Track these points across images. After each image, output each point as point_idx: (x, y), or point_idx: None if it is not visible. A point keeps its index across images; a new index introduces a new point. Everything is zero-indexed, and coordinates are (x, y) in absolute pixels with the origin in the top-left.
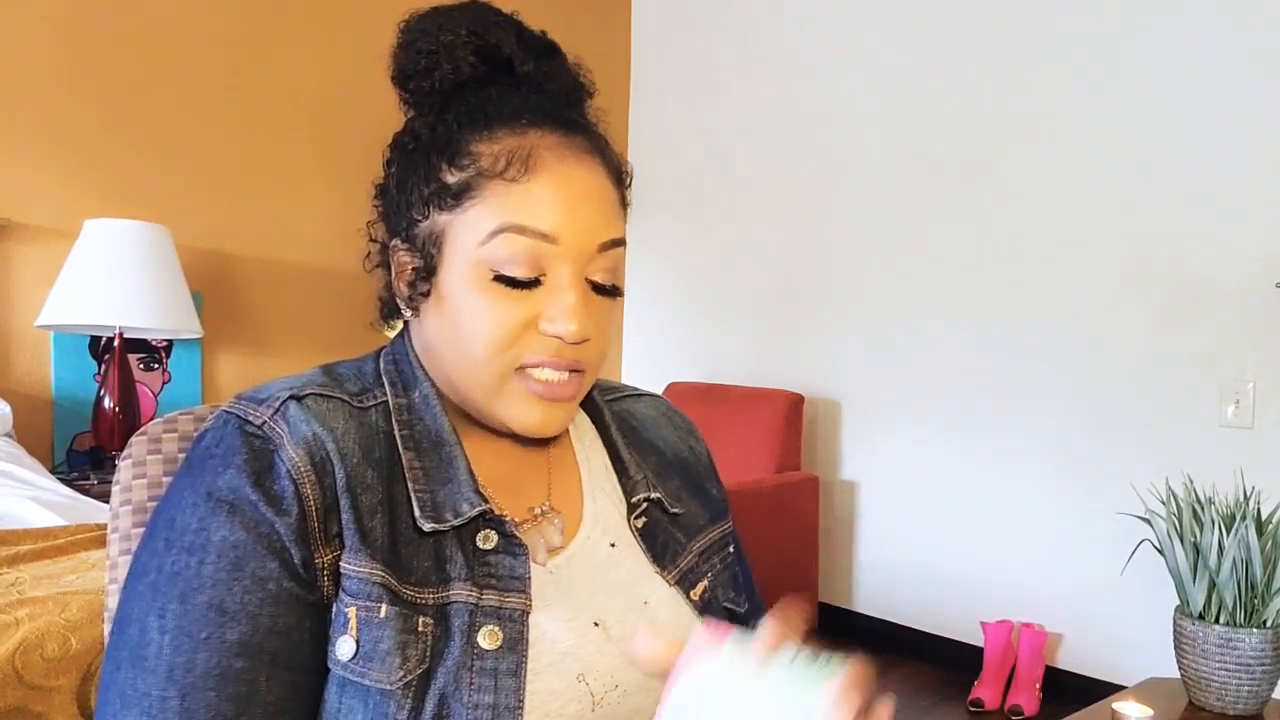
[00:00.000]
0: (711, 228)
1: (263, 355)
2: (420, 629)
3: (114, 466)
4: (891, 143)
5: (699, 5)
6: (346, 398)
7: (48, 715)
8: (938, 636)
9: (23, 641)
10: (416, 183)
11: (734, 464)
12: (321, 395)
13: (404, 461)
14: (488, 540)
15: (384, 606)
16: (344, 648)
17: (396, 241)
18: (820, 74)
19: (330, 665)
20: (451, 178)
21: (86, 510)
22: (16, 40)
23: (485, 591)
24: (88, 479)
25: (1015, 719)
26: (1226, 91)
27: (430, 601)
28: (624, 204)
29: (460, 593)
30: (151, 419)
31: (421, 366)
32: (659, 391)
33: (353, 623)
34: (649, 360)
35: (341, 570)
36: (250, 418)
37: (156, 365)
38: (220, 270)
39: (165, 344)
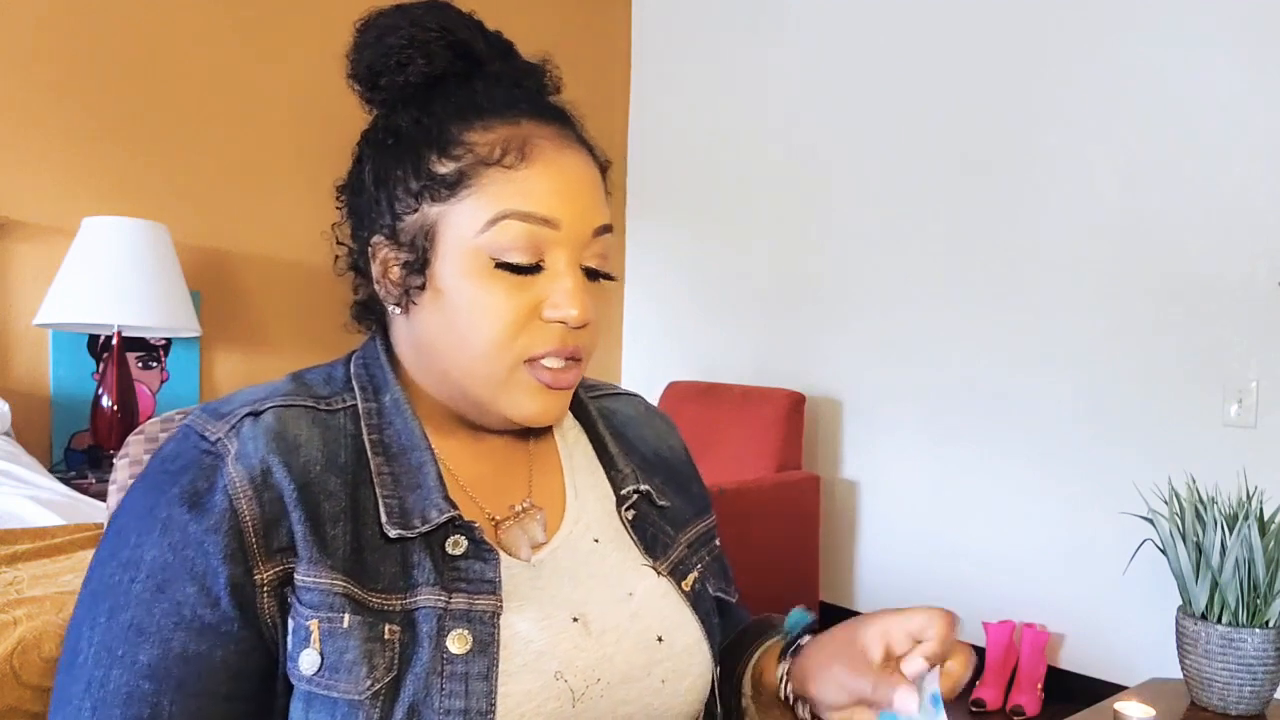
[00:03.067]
0: (711, 227)
1: (261, 354)
2: (387, 636)
3: (112, 465)
4: (892, 142)
5: (699, 5)
6: (312, 403)
7: (45, 716)
8: None
9: (20, 641)
10: (402, 176)
11: (734, 463)
12: (284, 405)
13: (372, 466)
14: (457, 545)
15: (347, 616)
16: (307, 661)
17: (379, 238)
18: (821, 73)
19: (294, 680)
20: (444, 168)
21: (84, 509)
22: (14, 38)
23: (454, 595)
24: (86, 478)
25: (1017, 719)
26: (1229, 90)
27: (397, 608)
28: (607, 193)
29: (428, 598)
30: (150, 418)
31: (393, 369)
32: (660, 391)
33: (315, 635)
34: (649, 360)
35: (298, 583)
36: (207, 433)
37: (155, 364)
38: (219, 269)
39: (164, 343)
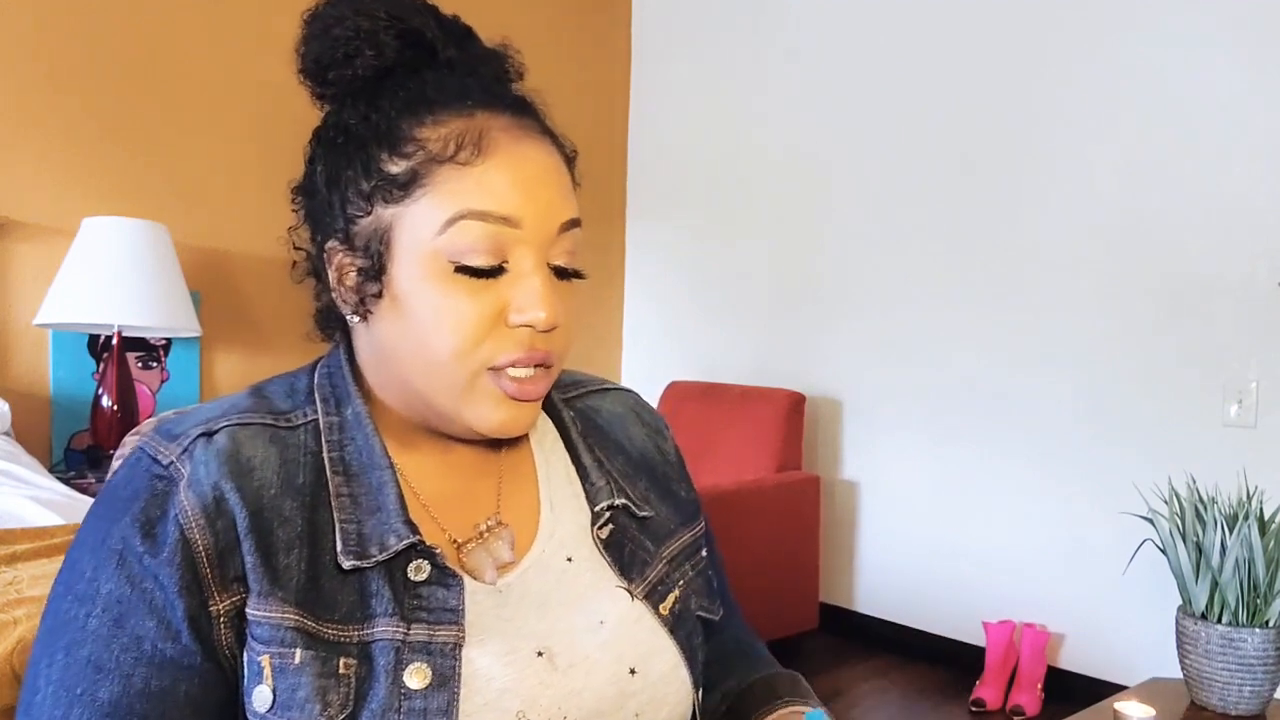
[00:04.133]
0: (711, 227)
1: (261, 354)
2: (342, 671)
3: (111, 466)
4: (892, 142)
5: (699, 5)
6: (271, 420)
7: None
8: (939, 636)
9: (20, 641)
10: (353, 177)
11: (734, 463)
12: (239, 424)
13: (330, 487)
14: (420, 571)
15: (298, 651)
16: (260, 698)
17: (333, 243)
18: (821, 72)
19: (250, 716)
20: (395, 167)
21: (84, 509)
22: (14, 38)
23: (414, 625)
24: (85, 478)
25: (1017, 719)
26: (1230, 90)
27: (354, 639)
28: (575, 184)
29: (385, 629)
30: (149, 418)
31: (355, 381)
32: (660, 391)
33: (267, 671)
34: (649, 360)
35: (249, 616)
36: (159, 457)
37: (155, 364)
38: (219, 269)
39: (164, 343)
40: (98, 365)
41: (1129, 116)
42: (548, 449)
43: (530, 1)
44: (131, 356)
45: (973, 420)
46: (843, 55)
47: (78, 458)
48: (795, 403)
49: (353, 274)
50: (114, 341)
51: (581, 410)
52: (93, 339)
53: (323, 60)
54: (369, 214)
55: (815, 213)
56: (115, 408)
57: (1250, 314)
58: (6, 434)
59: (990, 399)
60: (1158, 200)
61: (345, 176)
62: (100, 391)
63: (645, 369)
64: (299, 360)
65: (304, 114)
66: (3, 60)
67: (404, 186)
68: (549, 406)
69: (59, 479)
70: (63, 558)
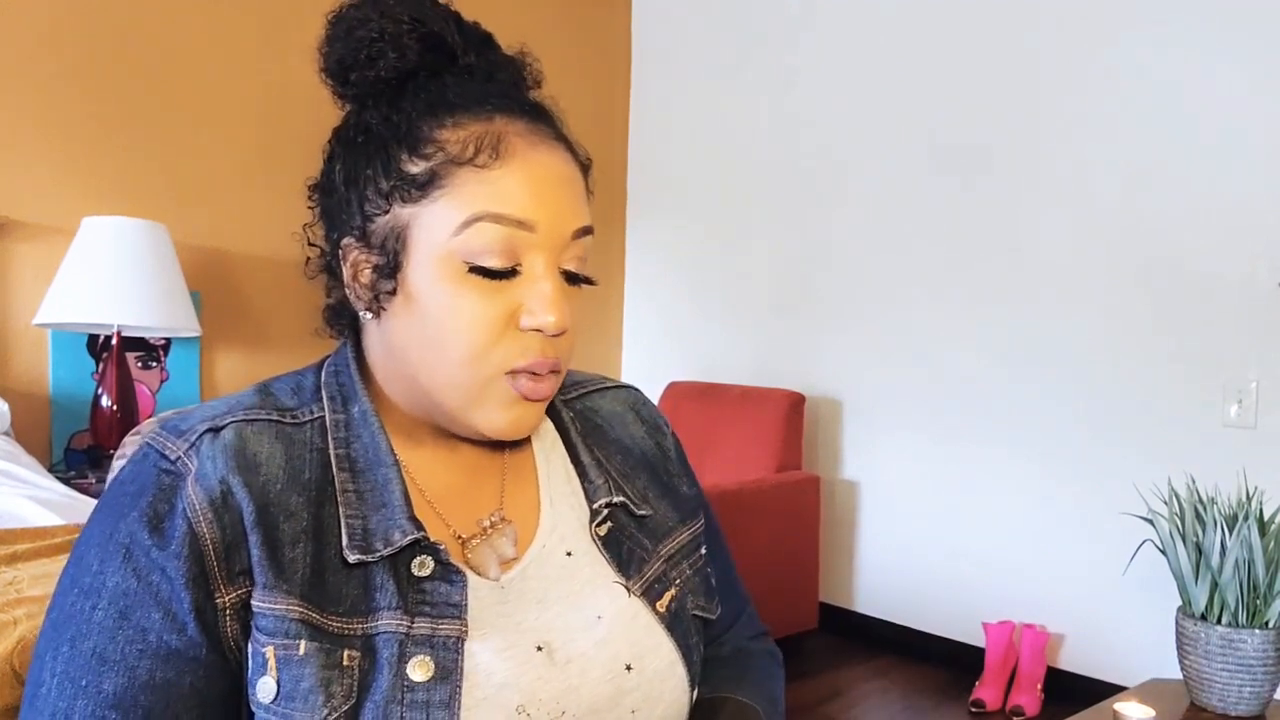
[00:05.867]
0: (712, 228)
1: (261, 354)
2: (345, 663)
3: (111, 466)
4: (892, 142)
5: (699, 5)
6: (277, 416)
7: None
8: (939, 637)
9: (21, 641)
10: (372, 176)
11: (734, 463)
12: (246, 420)
13: (336, 483)
14: (423, 567)
15: (303, 643)
16: (265, 689)
17: (349, 240)
18: (822, 72)
19: (254, 707)
20: (415, 167)
21: (84, 509)
22: (15, 38)
23: (417, 619)
24: (85, 478)
25: (1016, 719)
26: (1230, 90)
27: (358, 632)
28: (589, 191)
29: (389, 622)
30: (149, 418)
31: (362, 378)
32: (660, 391)
33: (271, 662)
34: (649, 360)
35: (254, 608)
36: (167, 452)
37: (155, 364)
38: (219, 269)
39: (163, 342)
40: (97, 365)
41: (1129, 116)
42: (547, 448)
43: (530, 2)
44: (131, 356)
45: (973, 420)
46: (842, 55)
47: (78, 458)
48: (795, 403)
49: (368, 271)
50: (114, 341)
51: (581, 411)
52: (92, 339)
53: (345, 61)
54: (387, 212)
55: (815, 213)
56: (115, 408)
57: (1250, 314)
58: (6, 434)
59: (990, 399)
60: (1158, 200)
61: (364, 175)
62: (100, 391)
63: (645, 369)
64: (299, 360)
65: (304, 114)
66: (4, 60)
67: (422, 187)
68: (549, 407)
69: (59, 479)
70: (63, 557)
